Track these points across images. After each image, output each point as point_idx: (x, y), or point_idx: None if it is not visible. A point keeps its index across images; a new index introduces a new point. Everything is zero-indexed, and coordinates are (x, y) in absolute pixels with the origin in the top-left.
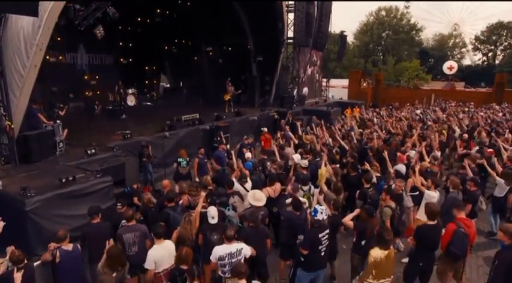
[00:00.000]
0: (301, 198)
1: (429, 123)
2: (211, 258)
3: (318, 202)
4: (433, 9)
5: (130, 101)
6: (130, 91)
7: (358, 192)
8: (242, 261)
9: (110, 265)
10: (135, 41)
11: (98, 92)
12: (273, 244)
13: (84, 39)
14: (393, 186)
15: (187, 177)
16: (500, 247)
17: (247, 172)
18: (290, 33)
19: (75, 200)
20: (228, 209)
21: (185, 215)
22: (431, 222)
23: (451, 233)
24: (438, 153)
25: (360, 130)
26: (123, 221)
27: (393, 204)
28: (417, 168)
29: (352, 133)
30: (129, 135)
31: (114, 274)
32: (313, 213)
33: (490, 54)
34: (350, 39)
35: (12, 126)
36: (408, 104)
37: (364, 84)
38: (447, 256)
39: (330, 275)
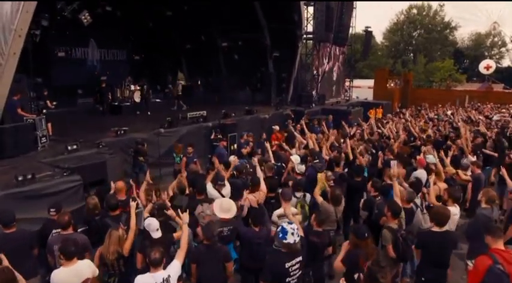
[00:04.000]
0: (292, 209)
1: (459, 124)
2: None
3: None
4: (469, 7)
5: (137, 97)
6: (137, 87)
7: (362, 200)
8: None
9: None
10: (148, 36)
11: (109, 88)
12: None
13: (95, 34)
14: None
15: None
16: None
17: (225, 173)
18: (310, 28)
19: (35, 201)
20: None
21: (110, 229)
22: (437, 229)
23: (483, 271)
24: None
25: (379, 130)
26: (57, 230)
27: (395, 225)
28: (432, 177)
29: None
30: (122, 132)
31: None
32: (280, 235)
33: None
34: (379, 39)
35: None
36: (440, 105)
37: (392, 84)
38: None
39: None
